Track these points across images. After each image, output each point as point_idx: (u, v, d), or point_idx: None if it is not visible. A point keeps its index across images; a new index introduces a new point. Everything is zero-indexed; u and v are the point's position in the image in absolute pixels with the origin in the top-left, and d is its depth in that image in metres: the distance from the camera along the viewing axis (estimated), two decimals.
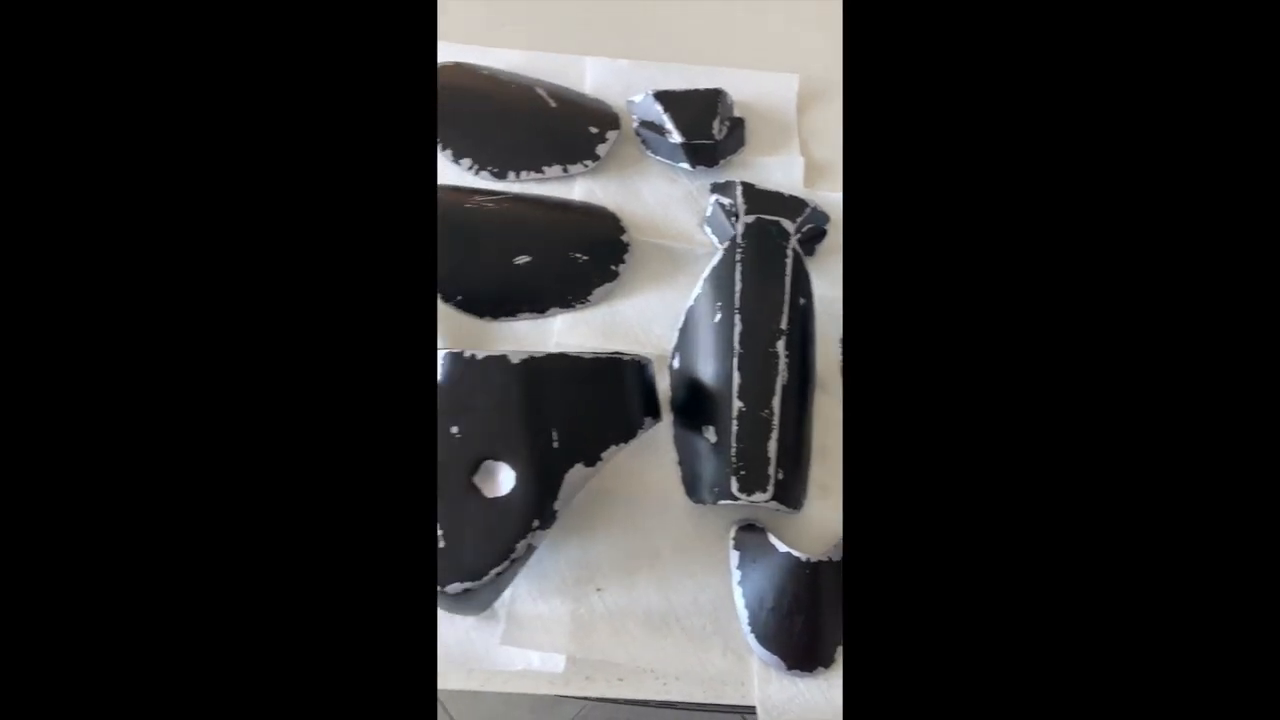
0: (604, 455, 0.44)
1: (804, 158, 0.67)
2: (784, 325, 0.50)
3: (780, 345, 0.50)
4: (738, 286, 0.51)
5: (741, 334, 0.50)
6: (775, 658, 0.45)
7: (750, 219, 0.54)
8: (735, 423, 0.48)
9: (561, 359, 0.44)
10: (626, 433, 0.45)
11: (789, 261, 0.52)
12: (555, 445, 0.42)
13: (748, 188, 0.63)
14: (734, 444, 0.47)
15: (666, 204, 0.64)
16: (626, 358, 0.46)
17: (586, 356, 0.44)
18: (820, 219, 0.63)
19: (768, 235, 0.53)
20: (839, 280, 0.60)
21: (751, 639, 0.46)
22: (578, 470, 0.43)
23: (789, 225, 0.53)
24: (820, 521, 0.51)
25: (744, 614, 0.47)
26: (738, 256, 0.52)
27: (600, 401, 0.44)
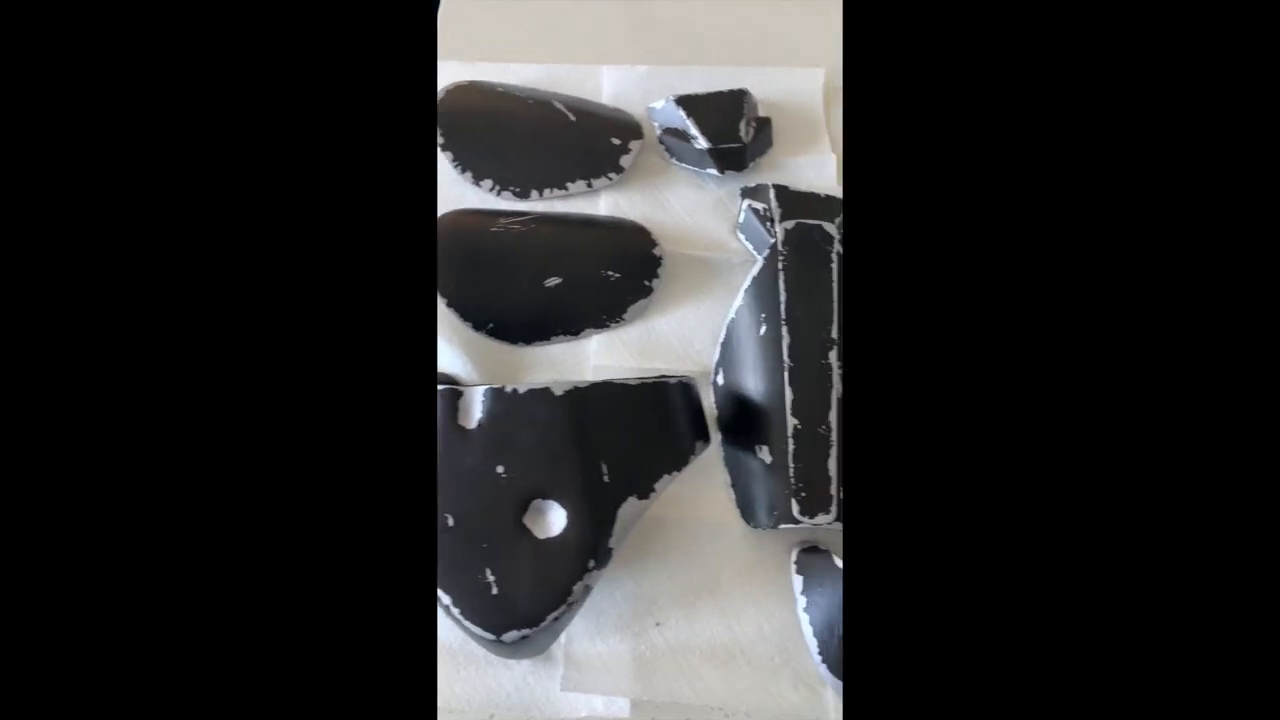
0: (657, 486, 0.41)
1: (836, 155, 0.65)
2: (835, 334, 0.48)
3: (833, 356, 0.47)
4: (782, 297, 0.49)
5: (790, 346, 0.48)
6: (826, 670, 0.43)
7: (790, 224, 0.51)
8: (791, 441, 0.45)
9: (606, 387, 0.42)
10: (679, 460, 0.42)
11: (834, 266, 0.50)
12: (606, 479, 0.40)
13: (781, 190, 0.60)
14: (792, 464, 0.45)
15: (696, 213, 0.61)
16: (672, 380, 0.44)
17: (632, 382, 0.42)
18: None
19: (810, 240, 0.51)
20: None
21: (824, 669, 0.44)
22: (631, 504, 0.40)
23: (831, 228, 0.51)
24: None
25: (812, 642, 0.44)
26: (780, 265, 0.50)
27: (649, 429, 0.42)
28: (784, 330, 0.48)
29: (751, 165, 0.63)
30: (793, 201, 0.59)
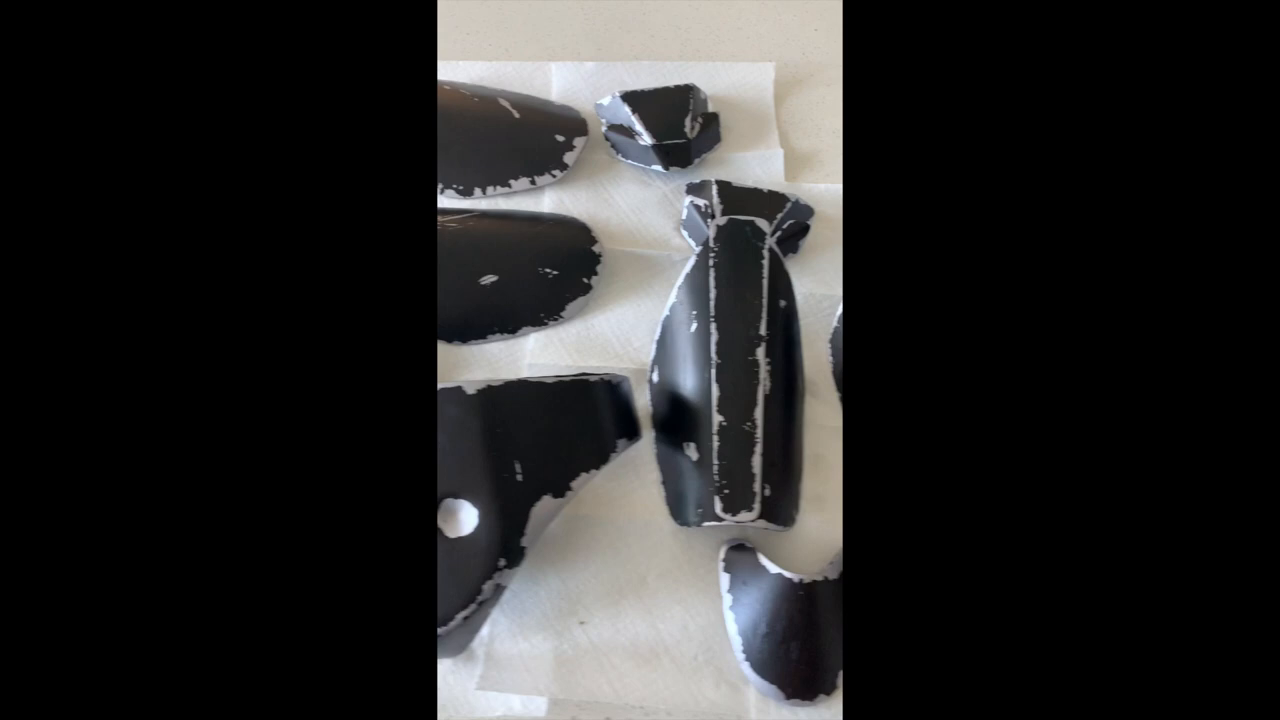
0: (574, 484, 0.41)
1: (784, 149, 0.64)
2: (764, 331, 0.47)
3: (760, 352, 0.47)
4: (712, 293, 0.49)
5: (719, 343, 0.47)
6: (772, 687, 0.43)
7: (722, 220, 0.51)
8: (716, 438, 0.45)
9: (521, 385, 0.41)
10: (598, 458, 0.42)
11: (766, 263, 0.49)
12: (519, 478, 0.40)
13: (723, 186, 0.60)
14: (716, 461, 0.45)
15: (640, 209, 0.61)
16: (594, 378, 0.44)
17: (549, 381, 0.42)
18: (803, 213, 0.60)
19: (741, 236, 0.50)
20: (826, 278, 0.57)
21: (746, 668, 0.43)
22: (546, 503, 0.40)
23: (764, 224, 0.51)
24: (815, 537, 0.48)
25: (737, 641, 0.44)
26: (711, 261, 0.49)
27: (567, 427, 0.42)
28: (713, 327, 0.48)
29: (698, 161, 0.63)
30: (735, 198, 0.59)
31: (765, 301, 0.48)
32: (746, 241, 0.50)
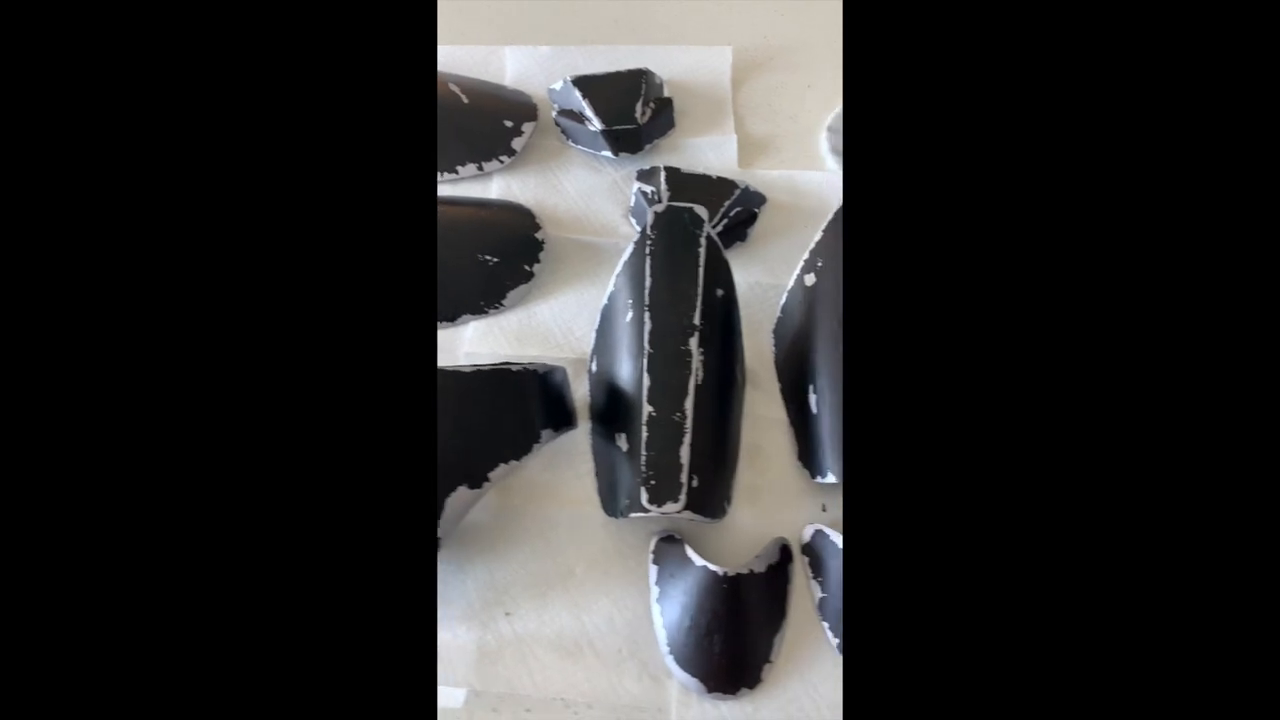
0: (492, 475, 0.41)
1: (739, 135, 0.63)
2: (697, 320, 0.47)
3: (694, 343, 0.46)
4: (647, 281, 0.48)
5: (651, 333, 0.46)
6: (694, 680, 0.42)
7: (660, 207, 0.50)
8: (645, 429, 0.44)
9: (440, 375, 0.41)
10: (519, 449, 0.42)
11: (702, 251, 0.48)
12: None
13: (672, 172, 0.59)
14: (644, 452, 0.44)
15: (589, 196, 0.60)
16: (516, 368, 0.43)
17: (466, 371, 0.41)
18: (754, 200, 0.59)
19: (679, 223, 0.49)
20: (774, 267, 0.56)
21: (670, 661, 0.43)
22: (461, 493, 0.40)
23: (703, 211, 0.50)
24: (748, 529, 0.47)
25: (662, 634, 0.44)
26: (647, 249, 0.49)
27: (485, 418, 0.41)
28: (646, 316, 0.47)
29: (649, 147, 0.62)
30: (683, 184, 0.58)
31: (701, 291, 0.47)
32: (684, 229, 0.49)
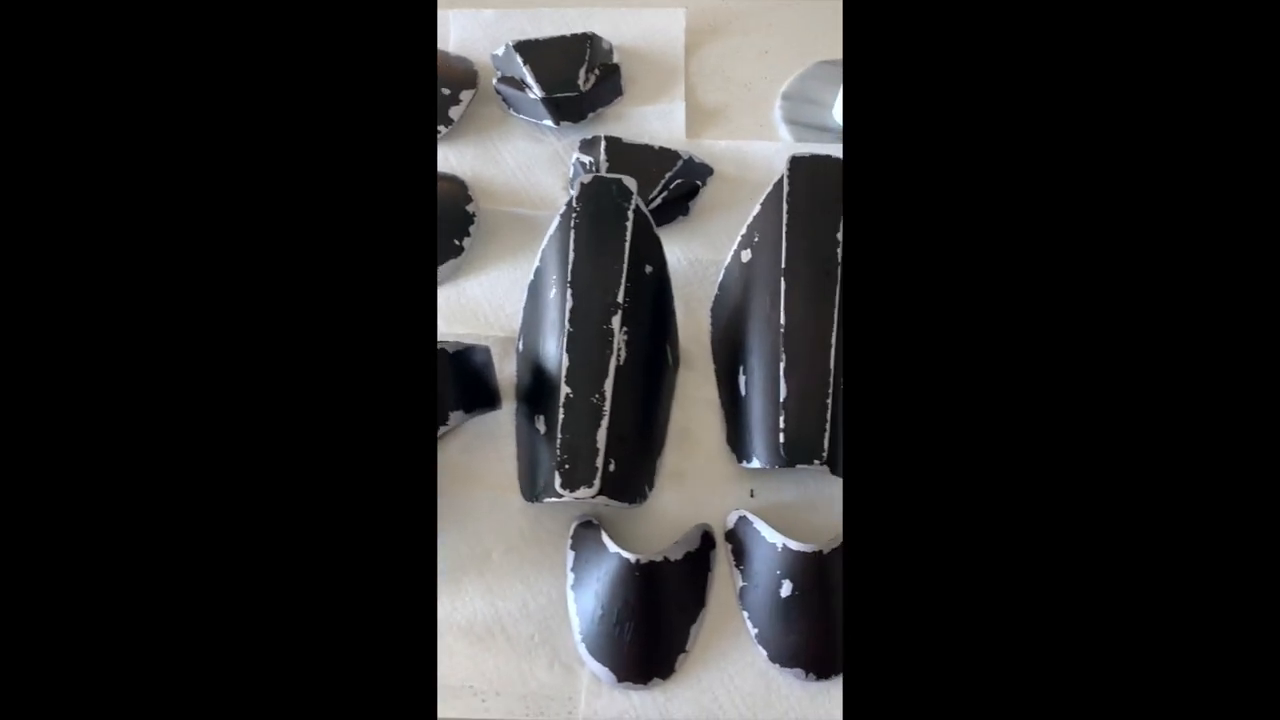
0: None
1: (690, 104, 0.60)
2: (621, 298, 0.45)
3: (616, 321, 0.44)
4: (570, 256, 0.46)
5: (572, 310, 0.45)
6: (605, 669, 0.41)
7: (587, 178, 0.48)
8: (562, 410, 0.43)
9: None
10: None
11: (629, 224, 0.46)
12: None
13: (612, 142, 0.56)
14: (559, 434, 0.42)
15: (529, 167, 0.58)
16: None
17: None
18: (698, 172, 0.57)
19: (605, 195, 0.47)
20: (717, 241, 0.54)
21: (583, 649, 0.42)
22: None
23: (631, 182, 0.47)
24: (671, 514, 0.46)
25: (576, 622, 0.42)
26: (571, 222, 0.47)
27: None
28: (568, 293, 0.45)
29: (593, 115, 0.59)
30: (624, 155, 0.56)
31: (626, 267, 0.45)
32: (611, 202, 0.47)
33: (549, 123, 0.58)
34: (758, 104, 0.61)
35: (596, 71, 0.58)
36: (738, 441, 0.47)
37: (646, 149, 0.55)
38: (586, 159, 0.55)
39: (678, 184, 0.54)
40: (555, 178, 0.57)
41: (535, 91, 0.57)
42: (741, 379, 0.47)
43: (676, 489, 0.46)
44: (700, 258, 0.53)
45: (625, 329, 0.44)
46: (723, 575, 0.44)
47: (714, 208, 0.56)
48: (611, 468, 0.42)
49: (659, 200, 0.54)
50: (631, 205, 0.47)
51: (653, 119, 0.60)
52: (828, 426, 0.43)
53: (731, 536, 0.45)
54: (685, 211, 0.55)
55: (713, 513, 0.46)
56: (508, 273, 0.53)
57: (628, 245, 0.46)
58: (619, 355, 0.44)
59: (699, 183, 0.55)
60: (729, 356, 0.49)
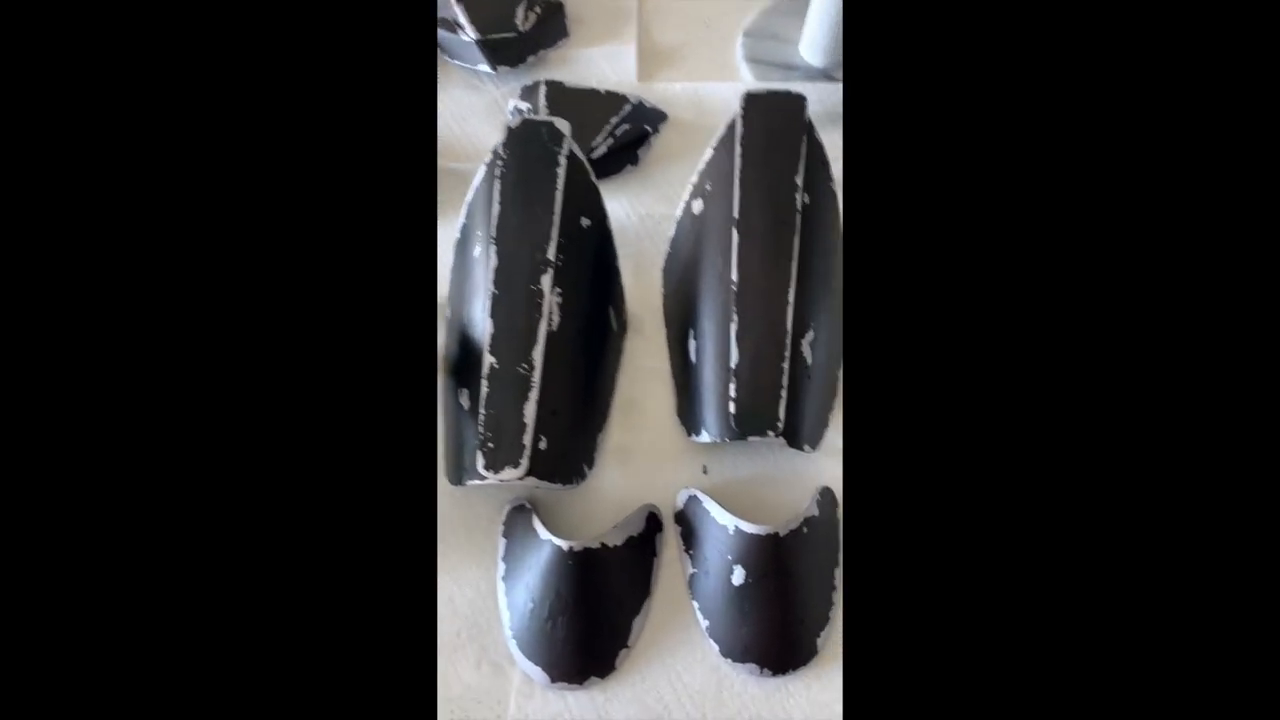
0: None
1: (645, 45, 0.55)
2: (552, 255, 0.40)
3: (546, 281, 0.40)
4: (495, 210, 0.41)
5: (498, 270, 0.40)
6: (537, 669, 0.37)
7: (514, 122, 0.43)
8: (485, 383, 0.38)
9: None
10: None
11: (561, 172, 0.41)
12: None
13: (554, 87, 0.51)
14: (483, 410, 0.38)
15: (464, 118, 0.53)
16: None
17: None
18: (650, 117, 0.52)
19: (534, 140, 0.42)
20: (671, 193, 0.49)
21: (513, 646, 0.38)
22: None
23: (563, 125, 0.42)
24: (615, 494, 0.41)
25: (506, 616, 0.38)
26: (497, 171, 0.42)
27: None
28: (492, 251, 0.40)
29: (534, 59, 0.54)
30: (567, 100, 0.50)
31: (558, 220, 0.41)
32: (541, 147, 0.42)
33: (485, 68, 0.52)
34: (718, 42, 0.56)
35: (537, 10, 0.53)
36: (688, 413, 0.42)
37: (592, 93, 0.50)
38: (525, 106, 0.50)
39: (625, 130, 0.49)
40: (493, 128, 0.52)
41: (469, 33, 0.52)
42: (692, 344, 0.42)
43: (622, 467, 0.42)
44: (652, 211, 0.49)
45: (558, 290, 0.40)
46: (671, 561, 0.40)
47: (668, 156, 0.51)
48: (543, 445, 0.38)
49: (604, 148, 0.48)
50: (564, 150, 0.42)
51: (601, 61, 0.54)
52: (783, 394, 0.38)
53: (681, 518, 0.40)
54: (635, 161, 0.50)
55: (662, 492, 0.41)
56: (440, 232, 0.48)
57: (559, 195, 0.41)
58: (550, 320, 0.39)
59: (649, 128, 0.50)
60: (680, 320, 0.44)
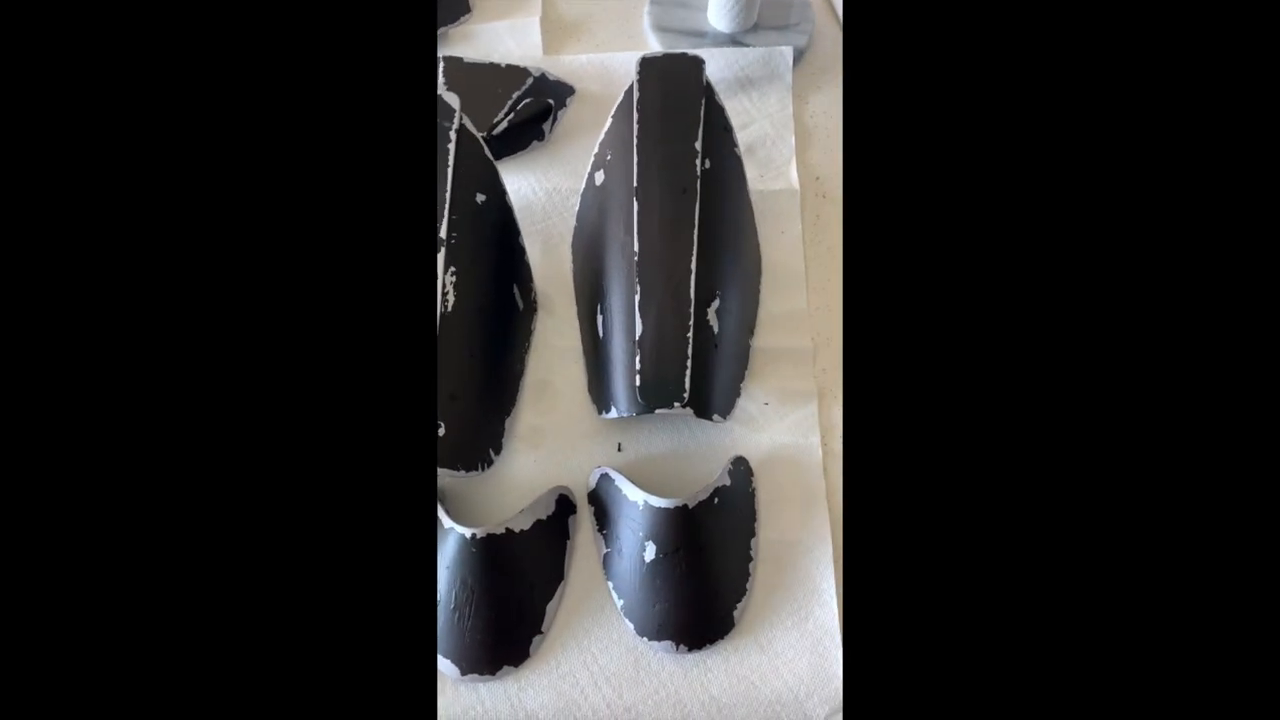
0: None
1: (551, 17, 0.53)
2: (444, 233, 0.39)
3: (440, 259, 0.38)
4: None
5: None
6: (447, 662, 0.36)
7: None
8: None
9: None
10: None
11: (451, 148, 0.40)
12: None
13: (451, 63, 0.49)
14: None
15: None
16: None
17: None
18: (555, 91, 0.50)
19: None
20: (578, 168, 0.47)
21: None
22: None
23: (453, 99, 0.41)
24: (526, 478, 0.40)
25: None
26: None
27: None
28: None
29: (439, 34, 0.52)
30: (465, 75, 0.49)
31: (450, 196, 0.39)
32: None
33: None
34: (624, 12, 0.54)
35: None
36: (598, 390, 0.41)
37: (491, 68, 0.49)
38: None
39: (527, 104, 0.48)
40: None
41: None
42: (600, 320, 0.41)
43: (534, 450, 0.41)
44: (559, 186, 0.47)
45: (452, 269, 0.38)
46: (586, 543, 0.39)
47: (576, 130, 0.49)
48: (440, 431, 0.36)
49: (505, 124, 0.47)
50: (454, 125, 0.40)
51: (506, 36, 0.53)
52: (689, 364, 0.37)
53: (594, 498, 0.39)
54: (541, 136, 0.49)
55: (577, 474, 0.40)
56: None
57: (450, 172, 0.39)
58: (444, 300, 0.38)
59: (552, 102, 0.49)
60: (589, 296, 0.43)
